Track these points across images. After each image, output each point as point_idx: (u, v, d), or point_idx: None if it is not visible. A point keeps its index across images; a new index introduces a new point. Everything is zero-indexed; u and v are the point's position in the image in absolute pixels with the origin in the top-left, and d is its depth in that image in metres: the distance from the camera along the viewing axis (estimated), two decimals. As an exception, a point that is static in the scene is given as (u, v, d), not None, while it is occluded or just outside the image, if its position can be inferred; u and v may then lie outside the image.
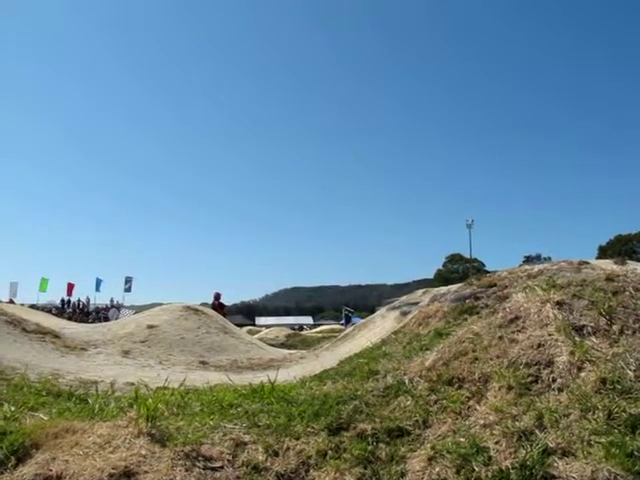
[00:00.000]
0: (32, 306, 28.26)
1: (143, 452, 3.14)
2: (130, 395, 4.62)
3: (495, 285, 6.00)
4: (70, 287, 41.01)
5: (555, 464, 2.88)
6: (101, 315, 34.33)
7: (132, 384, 5.82)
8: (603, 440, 2.96)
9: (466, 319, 5.40)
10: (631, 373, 3.55)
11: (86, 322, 24.70)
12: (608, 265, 6.16)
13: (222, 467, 3.16)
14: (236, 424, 3.64)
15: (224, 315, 15.73)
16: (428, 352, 4.77)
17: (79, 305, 38.77)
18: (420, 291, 11.50)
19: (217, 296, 17.81)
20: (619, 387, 3.41)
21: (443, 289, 8.54)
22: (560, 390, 3.55)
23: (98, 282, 43.19)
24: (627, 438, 2.94)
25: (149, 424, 3.41)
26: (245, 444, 3.37)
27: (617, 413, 3.16)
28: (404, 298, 11.30)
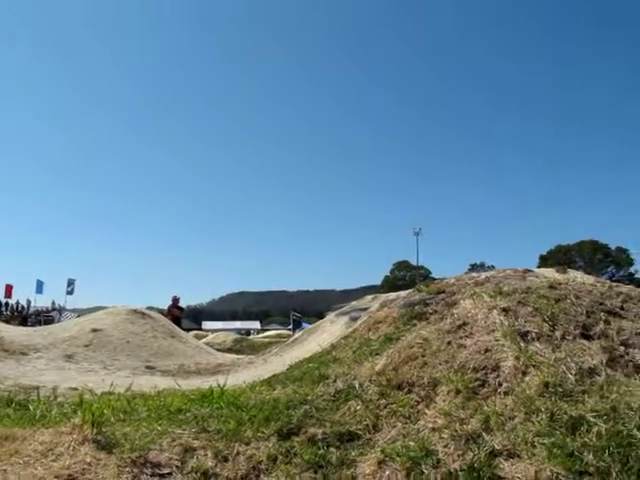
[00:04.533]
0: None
1: (88, 459, 3.04)
2: (74, 401, 4.47)
3: (444, 292, 6.11)
4: (8, 289, 39.32)
5: (501, 465, 2.97)
6: (41, 318, 33.17)
7: (75, 389, 5.64)
8: (546, 441, 3.06)
9: (415, 324, 5.47)
10: (572, 377, 3.69)
11: (25, 325, 23.83)
12: (551, 273, 6.38)
13: (170, 473, 3.10)
14: (185, 429, 3.57)
15: (178, 318, 15.56)
16: (378, 357, 4.82)
17: (18, 307, 37.35)
18: (369, 297, 11.63)
19: (175, 300, 17.46)
20: (561, 390, 3.53)
21: (392, 295, 8.64)
22: (506, 394, 3.64)
23: (39, 284, 41.67)
24: (568, 439, 3.05)
25: (94, 430, 3.30)
26: (194, 450, 3.32)
27: (559, 415, 3.27)
28: (354, 303, 11.39)
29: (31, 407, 4.45)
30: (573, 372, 3.73)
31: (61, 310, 37.65)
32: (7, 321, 25.43)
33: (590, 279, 6.22)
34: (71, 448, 3.14)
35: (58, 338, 10.46)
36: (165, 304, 17.94)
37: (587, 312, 4.71)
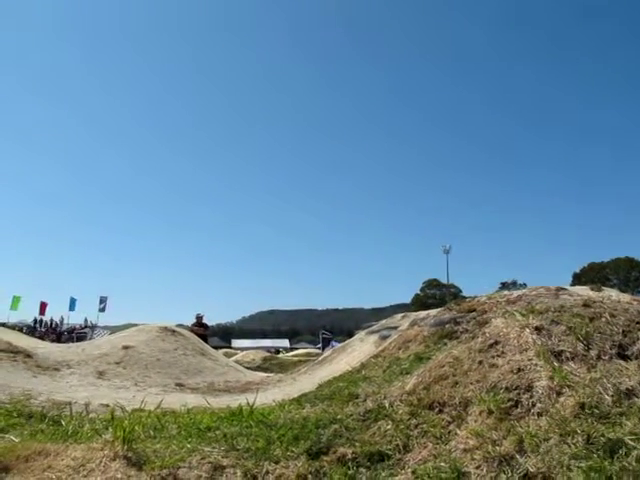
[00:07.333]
0: (2, 325, 27.63)
1: (119, 476, 3.06)
2: (105, 417, 4.52)
3: (475, 310, 6.04)
4: (43, 306, 40.21)
5: (536, 489, 2.89)
6: (74, 335, 33.71)
7: (107, 406, 5.70)
8: (582, 464, 2.96)
9: (446, 343, 5.41)
10: (608, 398, 3.58)
11: (59, 342, 24.24)
12: (585, 291, 6.25)
13: (200, 491, 3.10)
14: (214, 447, 3.57)
15: (202, 336, 15.55)
16: (408, 376, 4.77)
17: (52, 324, 38.08)
18: (399, 315, 11.51)
19: (198, 318, 17.58)
20: (597, 412, 3.43)
21: (422, 313, 8.56)
22: (540, 415, 3.56)
23: (72, 301, 42.45)
24: (606, 462, 2.95)
25: (125, 447, 3.32)
26: (223, 468, 3.31)
27: (595, 438, 3.17)
28: (383, 322, 11.29)
29: (64, 423, 4.50)
30: (610, 393, 3.62)
31: (93, 327, 38.20)
32: (42, 337, 25.95)
33: (626, 297, 6.06)
34: (102, 464, 3.16)
35: (90, 355, 10.60)
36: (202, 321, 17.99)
37: (623, 331, 4.59)
